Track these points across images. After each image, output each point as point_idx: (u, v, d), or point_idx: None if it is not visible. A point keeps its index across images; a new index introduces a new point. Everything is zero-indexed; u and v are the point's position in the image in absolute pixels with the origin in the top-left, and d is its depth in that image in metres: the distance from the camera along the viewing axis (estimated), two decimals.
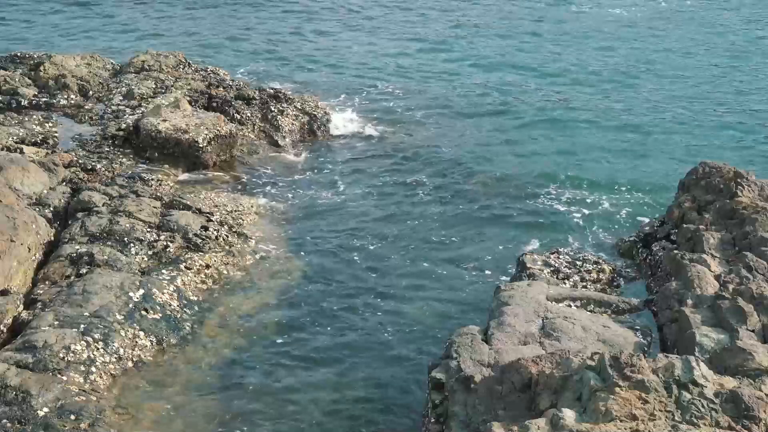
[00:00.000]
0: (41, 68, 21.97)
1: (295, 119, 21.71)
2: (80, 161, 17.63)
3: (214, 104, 21.26)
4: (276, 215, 16.85)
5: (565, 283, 13.18)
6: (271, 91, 22.66)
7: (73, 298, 12.38)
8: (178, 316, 12.95)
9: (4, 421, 9.87)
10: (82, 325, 11.77)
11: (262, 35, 31.60)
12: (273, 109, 21.65)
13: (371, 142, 21.07)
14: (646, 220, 15.93)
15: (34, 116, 19.88)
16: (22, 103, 20.56)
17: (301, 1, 37.65)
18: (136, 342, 12.09)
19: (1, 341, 11.72)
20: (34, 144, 18.25)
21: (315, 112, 22.24)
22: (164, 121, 19.29)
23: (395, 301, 13.93)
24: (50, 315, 11.90)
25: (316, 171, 19.19)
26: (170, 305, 13.04)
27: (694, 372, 8.45)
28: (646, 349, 10.88)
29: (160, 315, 12.72)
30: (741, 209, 13.13)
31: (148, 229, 14.79)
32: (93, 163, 17.67)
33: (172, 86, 22.04)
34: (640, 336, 11.18)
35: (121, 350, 11.76)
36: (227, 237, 15.31)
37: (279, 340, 12.73)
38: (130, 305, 12.57)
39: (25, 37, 30.23)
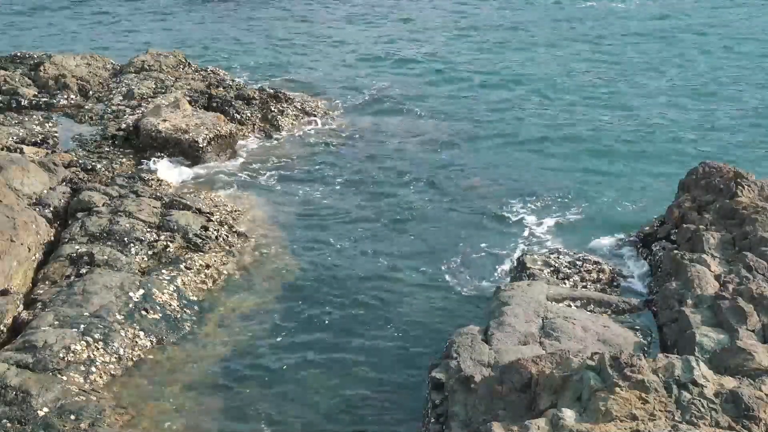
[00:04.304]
0: (41, 68, 22.00)
1: (295, 119, 21.74)
2: (80, 161, 17.65)
3: (214, 104, 21.29)
4: (276, 215, 16.85)
5: (565, 283, 13.18)
6: (271, 91, 22.69)
7: (73, 298, 12.38)
8: (178, 316, 12.95)
9: (4, 421, 9.87)
10: (82, 325, 11.77)
11: (263, 35, 31.62)
12: (273, 109, 21.67)
13: (371, 142, 21.05)
14: (647, 220, 15.91)
15: (34, 116, 19.93)
16: (22, 103, 20.59)
17: (301, 2, 37.66)
18: (136, 342, 12.10)
19: (1, 341, 11.72)
20: (34, 144, 18.27)
21: (315, 112, 22.27)
22: (164, 121, 19.32)
23: (395, 300, 13.92)
24: (50, 315, 11.90)
25: (315, 171, 19.19)
26: (170, 305, 13.04)
27: (694, 372, 8.46)
28: (646, 349, 10.89)
29: (160, 315, 12.72)
30: (741, 209, 13.13)
31: (148, 229, 14.80)
32: (93, 163, 17.70)
33: (172, 86, 22.07)
34: (640, 336, 11.19)
35: (121, 350, 11.76)
36: (227, 237, 15.32)
37: (279, 340, 12.73)
38: (130, 305, 12.57)
39: (25, 37, 30.24)
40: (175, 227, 15.01)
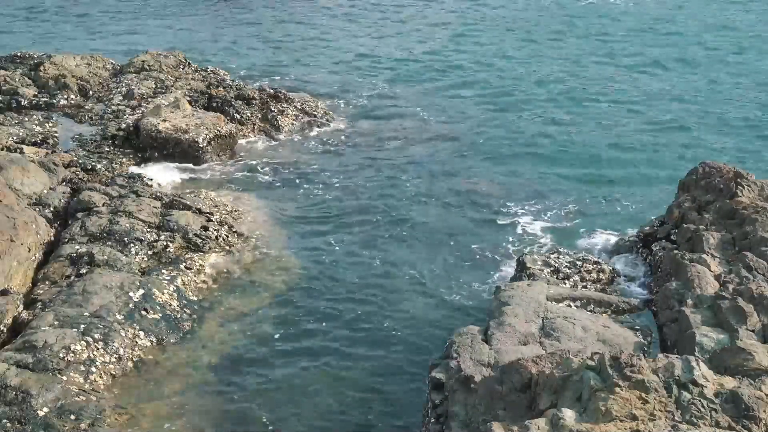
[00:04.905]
0: (41, 68, 22.00)
1: (295, 119, 21.73)
2: (80, 161, 17.65)
3: (214, 104, 21.29)
4: (276, 215, 16.85)
5: (565, 283, 13.18)
6: (271, 91, 22.69)
7: (73, 298, 12.38)
8: (178, 315, 12.95)
9: (4, 421, 9.87)
10: (82, 325, 11.77)
11: (263, 36, 31.61)
12: (273, 109, 21.67)
13: (371, 143, 21.05)
14: (647, 220, 15.92)
15: (34, 116, 19.93)
16: (22, 103, 20.60)
17: (302, 2, 37.65)
18: (136, 342, 12.10)
19: (1, 341, 11.72)
20: (34, 144, 18.27)
21: (315, 112, 22.26)
22: (164, 121, 19.32)
23: (395, 300, 13.93)
24: (50, 315, 11.90)
25: (315, 171, 19.18)
26: (170, 305, 13.04)
27: (694, 372, 8.45)
28: (646, 349, 10.88)
29: (160, 315, 12.72)
30: (741, 209, 13.12)
31: (148, 229, 14.80)
32: (93, 163, 17.70)
33: (172, 86, 22.06)
34: (640, 336, 11.18)
35: (121, 350, 11.76)
36: (227, 237, 15.32)
37: (278, 340, 12.73)
38: (130, 305, 12.57)
39: (25, 37, 30.24)
40: (175, 227, 15.01)
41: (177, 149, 18.87)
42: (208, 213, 15.83)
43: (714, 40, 31.19)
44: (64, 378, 10.82)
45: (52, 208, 15.24)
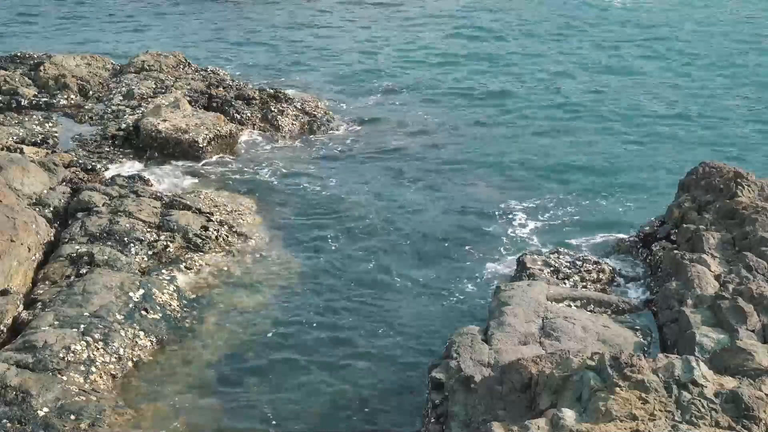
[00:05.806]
0: (41, 68, 22.01)
1: (295, 119, 21.72)
2: (80, 161, 17.66)
3: (214, 104, 21.29)
4: (275, 215, 16.84)
5: (565, 283, 13.18)
6: (271, 91, 22.69)
7: (73, 298, 12.37)
8: (178, 315, 12.95)
9: (4, 421, 9.87)
10: (82, 325, 11.77)
11: (263, 36, 31.61)
12: (273, 109, 21.67)
13: (371, 143, 21.04)
14: (646, 220, 15.92)
15: (34, 116, 19.94)
16: (22, 103, 20.60)
17: (303, 3, 37.66)
18: (136, 342, 12.09)
19: (1, 341, 11.72)
20: (34, 144, 18.27)
21: (315, 112, 22.25)
22: (164, 121, 19.33)
23: (395, 300, 13.92)
24: (50, 315, 11.90)
25: (315, 171, 19.18)
26: (170, 305, 13.04)
27: (694, 372, 8.45)
28: (646, 349, 10.89)
29: (160, 315, 12.72)
30: (741, 209, 13.13)
31: (148, 229, 14.80)
32: (93, 163, 17.70)
33: (172, 86, 22.07)
34: (640, 336, 11.19)
35: (121, 350, 11.76)
36: (227, 237, 15.32)
37: (279, 340, 12.72)
38: (130, 305, 12.57)
39: (25, 37, 30.24)
40: (175, 227, 15.01)
41: (177, 149, 18.88)
42: (208, 213, 15.83)
43: (714, 39, 31.19)
44: (64, 378, 10.82)
45: (52, 208, 15.24)
